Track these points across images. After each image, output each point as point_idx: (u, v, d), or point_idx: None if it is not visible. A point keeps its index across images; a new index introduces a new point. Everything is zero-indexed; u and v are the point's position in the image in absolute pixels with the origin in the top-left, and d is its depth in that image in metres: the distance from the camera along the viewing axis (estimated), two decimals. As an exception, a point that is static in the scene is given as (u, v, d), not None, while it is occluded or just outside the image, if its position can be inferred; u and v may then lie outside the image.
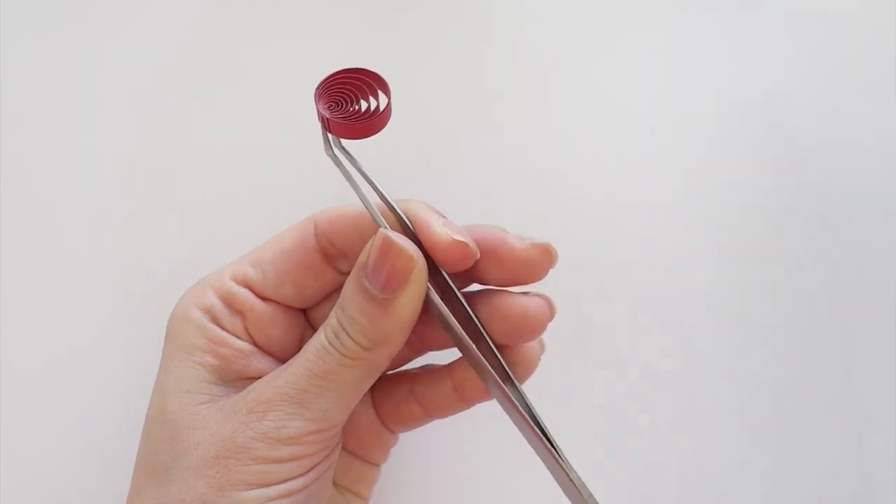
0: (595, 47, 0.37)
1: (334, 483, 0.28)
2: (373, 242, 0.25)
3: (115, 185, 0.34)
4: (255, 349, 0.27)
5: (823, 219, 0.35)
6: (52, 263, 0.33)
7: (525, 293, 0.26)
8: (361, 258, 0.25)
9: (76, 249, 0.33)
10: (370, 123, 0.24)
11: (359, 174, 0.26)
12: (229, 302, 0.27)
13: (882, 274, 0.35)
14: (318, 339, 0.25)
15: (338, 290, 0.27)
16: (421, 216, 0.26)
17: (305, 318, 0.28)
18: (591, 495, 0.24)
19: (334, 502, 0.28)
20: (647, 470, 0.33)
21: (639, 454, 0.33)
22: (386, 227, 0.25)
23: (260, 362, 0.27)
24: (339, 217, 0.27)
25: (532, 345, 0.26)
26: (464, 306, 0.26)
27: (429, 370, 0.29)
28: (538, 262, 0.25)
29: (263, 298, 0.27)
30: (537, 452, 0.25)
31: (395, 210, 0.26)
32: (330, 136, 0.25)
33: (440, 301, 0.25)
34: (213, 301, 0.26)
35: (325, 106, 0.24)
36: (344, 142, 0.26)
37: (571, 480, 0.24)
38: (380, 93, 0.24)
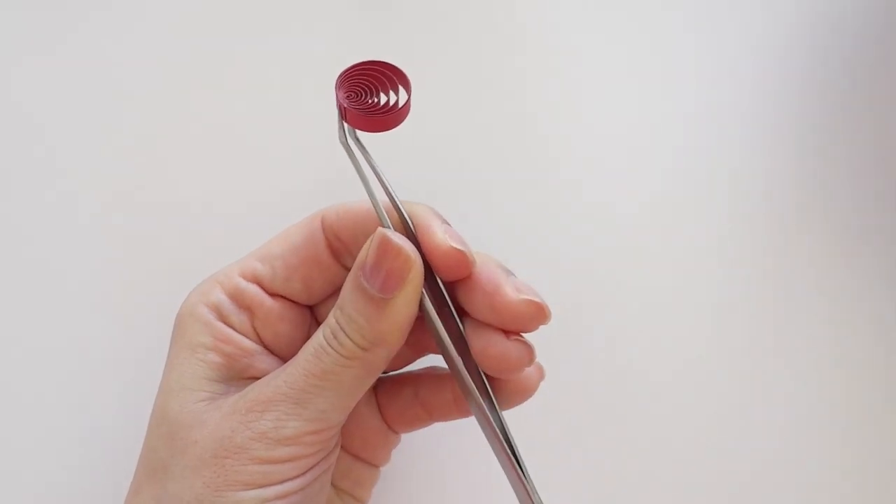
0: (597, 48, 0.36)
1: (334, 486, 0.28)
2: (371, 241, 0.25)
3: (119, 182, 0.34)
4: (261, 348, 0.27)
5: (823, 218, 0.35)
6: (57, 262, 0.33)
7: (512, 335, 0.25)
8: (360, 257, 0.25)
9: (80, 248, 0.33)
10: (387, 118, 0.24)
11: (369, 168, 0.26)
12: (238, 298, 0.27)
13: (886, 277, 0.35)
14: (317, 339, 0.25)
15: None
16: (423, 219, 0.25)
17: (313, 316, 0.28)
18: None
19: None
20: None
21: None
22: (389, 226, 0.25)
23: (264, 362, 0.27)
24: (346, 212, 0.27)
25: (527, 372, 0.26)
26: (456, 323, 0.26)
27: (433, 374, 0.29)
28: (529, 319, 0.25)
29: (272, 294, 0.27)
30: (506, 474, 0.25)
31: (400, 210, 0.26)
32: (345, 125, 0.25)
33: (433, 311, 0.25)
34: (221, 297, 0.26)
35: (345, 95, 0.24)
36: (359, 134, 0.26)
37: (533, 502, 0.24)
38: (401, 88, 0.25)
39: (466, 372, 0.25)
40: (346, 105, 0.24)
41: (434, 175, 0.35)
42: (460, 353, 0.25)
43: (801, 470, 0.33)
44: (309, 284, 0.27)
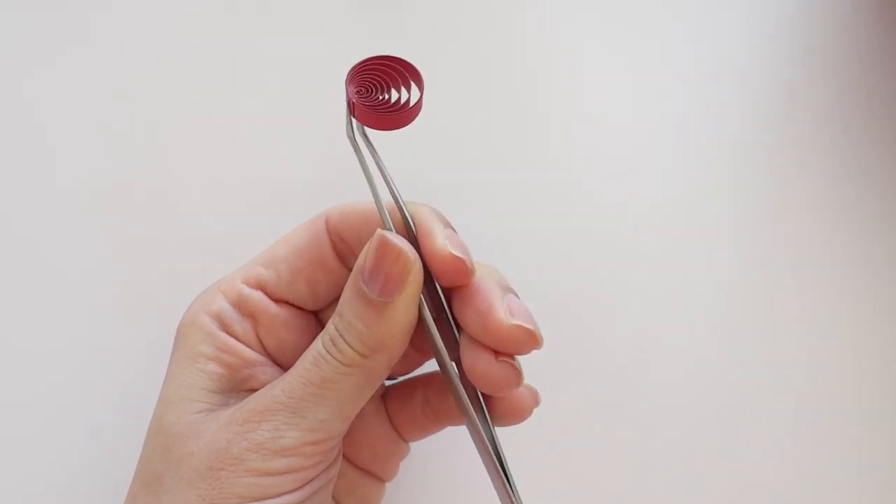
0: (600, 50, 0.36)
1: (338, 503, 0.27)
2: (370, 243, 0.24)
3: (119, 183, 0.34)
4: (263, 359, 0.26)
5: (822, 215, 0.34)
6: (57, 262, 0.33)
7: (501, 356, 0.24)
8: (359, 260, 0.24)
9: (80, 249, 0.33)
10: (398, 116, 0.23)
11: (375, 166, 0.25)
12: (241, 306, 0.26)
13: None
14: (316, 347, 0.24)
15: None
16: (425, 223, 0.25)
17: (319, 323, 0.28)
18: None
19: None
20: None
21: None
22: (390, 227, 0.24)
23: (267, 374, 0.26)
24: (350, 212, 0.26)
25: (520, 392, 0.25)
26: (453, 332, 0.25)
27: (441, 378, 0.28)
28: (519, 344, 0.24)
29: (277, 300, 0.26)
30: (496, 490, 0.25)
31: (403, 210, 0.25)
32: (354, 121, 0.24)
33: (430, 318, 0.24)
34: (223, 306, 0.26)
35: (355, 90, 0.24)
36: (367, 131, 0.25)
37: None
38: (413, 86, 0.24)
39: (460, 384, 0.24)
40: (355, 100, 0.24)
41: (437, 174, 0.34)
42: (455, 363, 0.25)
43: (811, 471, 0.32)
44: (314, 288, 0.27)
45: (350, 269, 0.26)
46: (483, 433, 0.24)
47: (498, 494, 0.25)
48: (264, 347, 0.26)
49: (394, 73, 0.24)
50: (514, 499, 0.24)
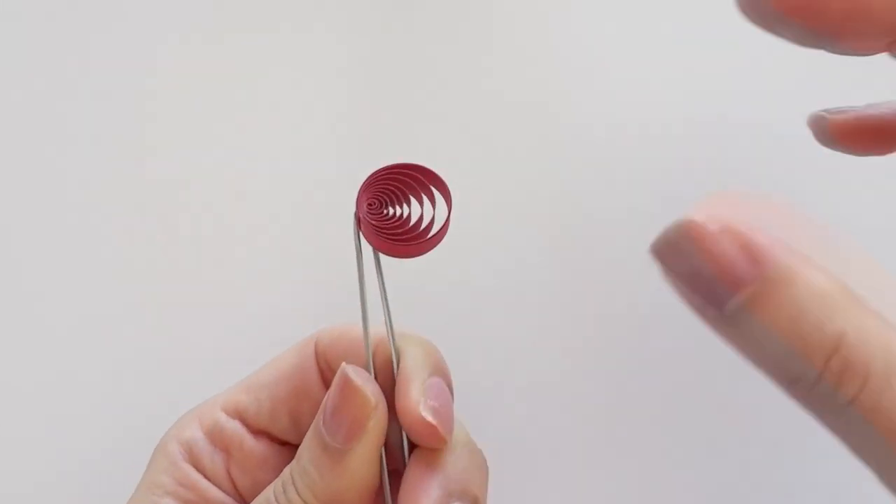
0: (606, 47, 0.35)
1: None
2: (335, 378, 0.21)
3: (119, 183, 0.34)
4: (228, 500, 0.24)
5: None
6: (57, 262, 0.33)
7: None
8: (325, 397, 0.22)
9: (79, 249, 0.33)
10: (414, 247, 0.20)
11: (377, 273, 0.22)
12: (215, 436, 0.24)
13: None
14: (266, 494, 0.22)
15: None
16: (407, 369, 0.22)
17: None
18: None
19: None
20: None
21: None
22: (368, 361, 0.22)
23: None
24: (340, 337, 0.24)
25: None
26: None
27: None
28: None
29: (256, 431, 0.24)
30: None
31: (392, 345, 0.22)
32: (362, 235, 0.21)
33: (385, 474, 0.22)
34: (197, 435, 0.24)
35: (367, 202, 0.20)
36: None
37: None
38: (438, 197, 0.20)
39: None
40: (366, 218, 0.20)
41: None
42: None
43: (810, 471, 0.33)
44: (297, 420, 0.24)
45: None
46: None
47: None
48: (235, 486, 0.24)
49: (412, 182, 0.20)
50: None
